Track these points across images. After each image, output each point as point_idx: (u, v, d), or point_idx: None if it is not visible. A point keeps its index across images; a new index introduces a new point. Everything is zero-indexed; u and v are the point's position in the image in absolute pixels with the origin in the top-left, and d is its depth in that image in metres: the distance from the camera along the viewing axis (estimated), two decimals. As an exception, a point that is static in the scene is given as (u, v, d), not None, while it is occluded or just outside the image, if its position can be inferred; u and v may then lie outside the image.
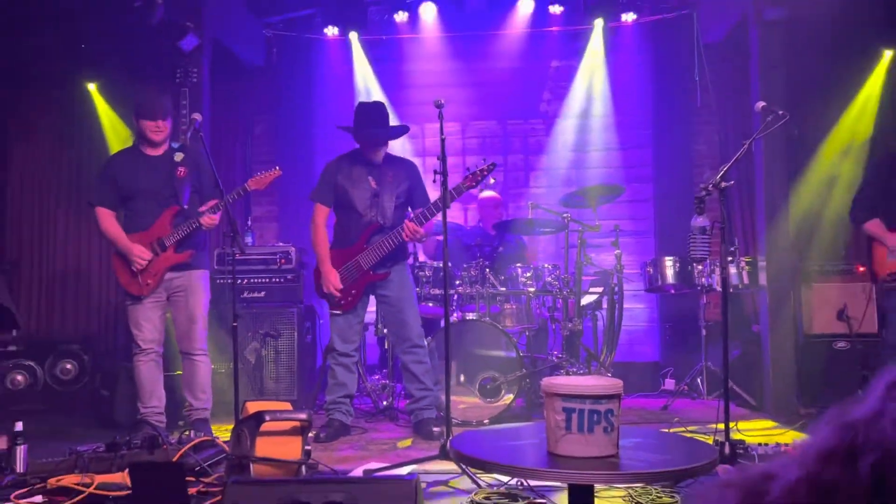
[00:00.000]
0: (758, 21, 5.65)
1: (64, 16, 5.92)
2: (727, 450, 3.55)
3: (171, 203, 4.55)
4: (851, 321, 5.42)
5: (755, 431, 4.62)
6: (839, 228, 6.01)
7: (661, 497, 3.06)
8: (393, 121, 5.21)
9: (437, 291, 5.39)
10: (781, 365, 5.34)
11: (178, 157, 4.49)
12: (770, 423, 4.94)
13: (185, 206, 4.55)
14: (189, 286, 4.58)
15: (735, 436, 3.81)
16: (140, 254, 4.48)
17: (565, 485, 2.71)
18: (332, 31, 7.11)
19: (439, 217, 4.10)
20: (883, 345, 4.94)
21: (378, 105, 4.94)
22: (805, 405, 5.11)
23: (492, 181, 4.60)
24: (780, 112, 3.91)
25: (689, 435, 4.22)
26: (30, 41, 6.21)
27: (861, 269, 5.86)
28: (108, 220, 4.61)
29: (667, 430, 4.27)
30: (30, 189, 6.89)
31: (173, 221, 4.53)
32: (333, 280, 4.67)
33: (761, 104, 4.09)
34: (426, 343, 4.85)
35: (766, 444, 3.68)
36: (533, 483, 3.16)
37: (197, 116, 4.50)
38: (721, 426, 3.72)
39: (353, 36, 7.16)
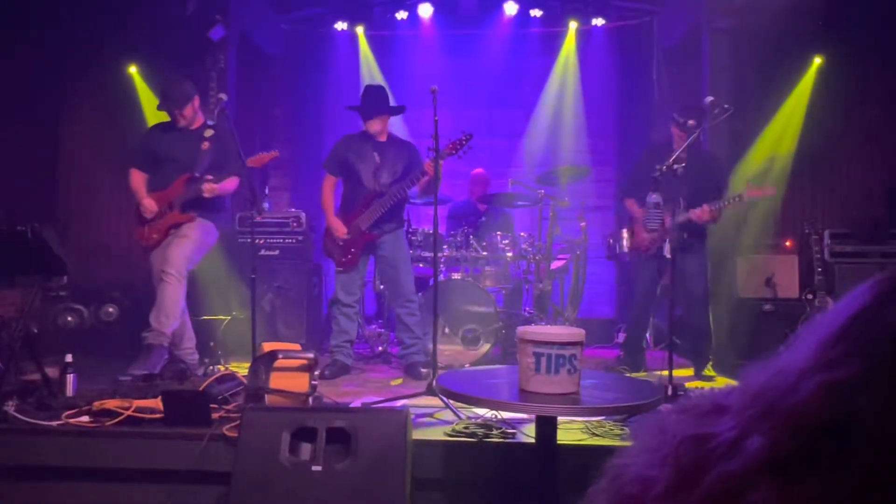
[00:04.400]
0: (709, 28, 5.62)
1: (109, 5, 5.81)
2: (669, 391, 3.60)
3: (188, 170, 4.45)
4: (777, 287, 5.47)
5: (693, 377, 4.66)
6: (770, 209, 6.03)
7: (613, 429, 3.10)
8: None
9: (427, 254, 5.39)
10: (717, 323, 5.38)
11: (209, 132, 4.37)
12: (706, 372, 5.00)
13: (198, 175, 4.41)
14: (181, 230, 4.42)
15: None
16: (148, 205, 4.41)
17: (533, 418, 2.74)
18: (341, 25, 6.99)
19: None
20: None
21: (380, 87, 4.93)
22: (737, 357, 5.16)
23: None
24: (726, 105, 3.90)
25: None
26: (78, 28, 6.08)
27: (788, 244, 5.90)
28: (136, 178, 4.57)
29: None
30: (79, 158, 6.77)
31: (185, 186, 4.42)
32: (338, 227, 4.67)
33: (710, 98, 4.07)
34: (417, 298, 4.86)
35: (702, 388, 3.73)
36: (506, 415, 3.20)
37: (223, 97, 4.43)
38: (665, 373, 3.77)
39: (360, 30, 7.06)
